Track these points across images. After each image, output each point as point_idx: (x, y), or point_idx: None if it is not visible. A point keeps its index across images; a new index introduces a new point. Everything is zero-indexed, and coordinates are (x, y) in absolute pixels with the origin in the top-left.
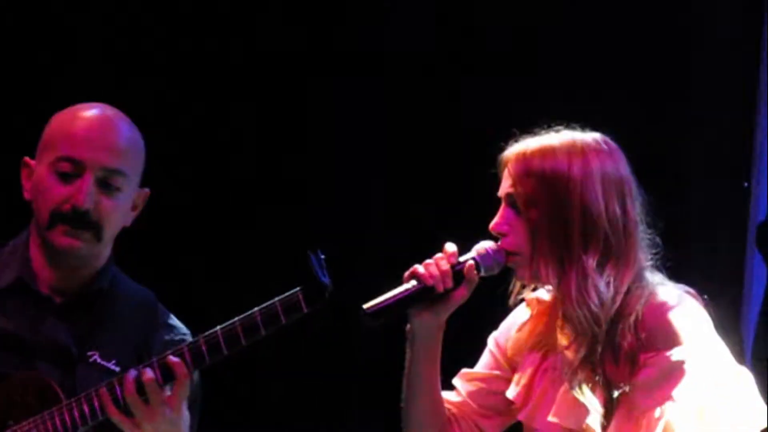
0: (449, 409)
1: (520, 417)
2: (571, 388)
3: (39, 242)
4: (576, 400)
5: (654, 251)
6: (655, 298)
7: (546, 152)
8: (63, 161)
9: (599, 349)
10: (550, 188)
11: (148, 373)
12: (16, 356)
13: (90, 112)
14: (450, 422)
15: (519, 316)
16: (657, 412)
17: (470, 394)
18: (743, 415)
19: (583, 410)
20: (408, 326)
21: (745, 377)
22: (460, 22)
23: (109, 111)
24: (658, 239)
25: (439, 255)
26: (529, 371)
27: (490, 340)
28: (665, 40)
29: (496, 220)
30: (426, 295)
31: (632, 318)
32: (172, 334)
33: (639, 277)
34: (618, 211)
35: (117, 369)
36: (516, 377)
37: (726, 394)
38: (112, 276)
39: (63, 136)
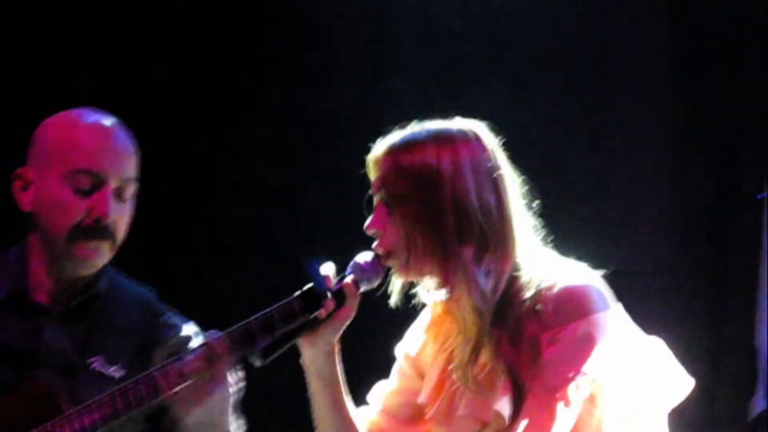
0: (369, 428)
1: (430, 416)
2: (464, 383)
3: (44, 253)
4: (480, 392)
5: (540, 232)
6: (551, 277)
7: (413, 146)
8: (81, 174)
9: (486, 341)
10: (420, 183)
11: (192, 360)
12: (16, 369)
13: (90, 119)
14: None
15: (422, 321)
16: (572, 387)
17: (386, 409)
18: (662, 382)
19: (488, 402)
20: (302, 358)
21: (658, 345)
22: None
23: (107, 118)
24: (541, 221)
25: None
26: (436, 373)
27: (398, 351)
28: None
29: (369, 220)
30: (312, 323)
31: (529, 301)
32: (175, 331)
33: (526, 262)
34: (491, 200)
35: (118, 374)
36: (425, 380)
37: (641, 363)
38: (110, 278)
39: (76, 149)
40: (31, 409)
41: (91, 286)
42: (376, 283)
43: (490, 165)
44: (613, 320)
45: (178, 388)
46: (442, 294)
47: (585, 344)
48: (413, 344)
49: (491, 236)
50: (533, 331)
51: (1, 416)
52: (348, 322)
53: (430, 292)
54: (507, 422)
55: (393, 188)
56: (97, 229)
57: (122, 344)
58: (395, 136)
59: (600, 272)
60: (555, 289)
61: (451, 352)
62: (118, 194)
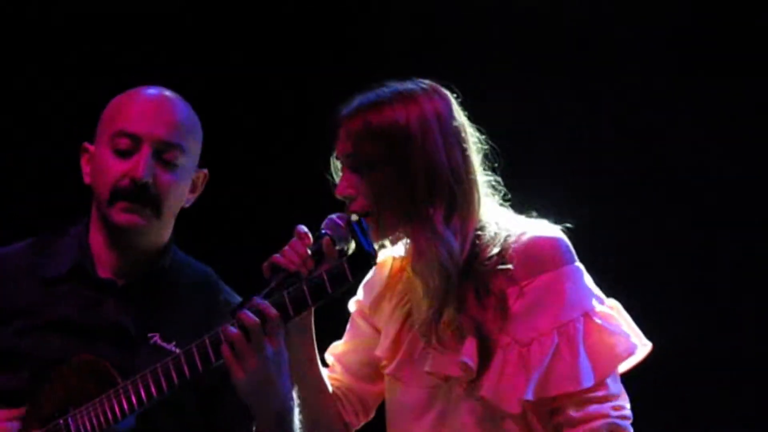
0: (335, 387)
1: (388, 371)
2: (428, 342)
3: (100, 224)
4: (445, 349)
5: (500, 191)
6: (515, 231)
7: (381, 108)
8: (119, 137)
9: (451, 300)
10: (390, 145)
11: (249, 317)
12: (76, 342)
13: (147, 91)
14: (338, 403)
15: (376, 276)
16: (542, 338)
17: (346, 367)
18: (626, 343)
19: (453, 357)
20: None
21: (615, 303)
22: None
23: (167, 91)
24: (498, 178)
25: (293, 240)
26: (394, 329)
27: (351, 306)
28: None
29: (339, 184)
30: (292, 282)
31: (495, 257)
32: None
33: (489, 219)
34: (459, 159)
35: (177, 350)
36: (382, 335)
37: (606, 320)
38: (173, 256)
39: (119, 114)
40: (87, 381)
41: (155, 262)
42: (349, 245)
43: (455, 124)
44: (581, 272)
45: (230, 355)
46: (401, 250)
47: (554, 295)
48: (367, 300)
49: (459, 195)
50: (500, 285)
51: (59, 387)
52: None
53: (386, 247)
54: (474, 373)
55: (364, 152)
56: (133, 191)
57: (183, 321)
58: (360, 99)
59: (561, 226)
60: (521, 242)
61: (410, 308)
62: (161, 158)
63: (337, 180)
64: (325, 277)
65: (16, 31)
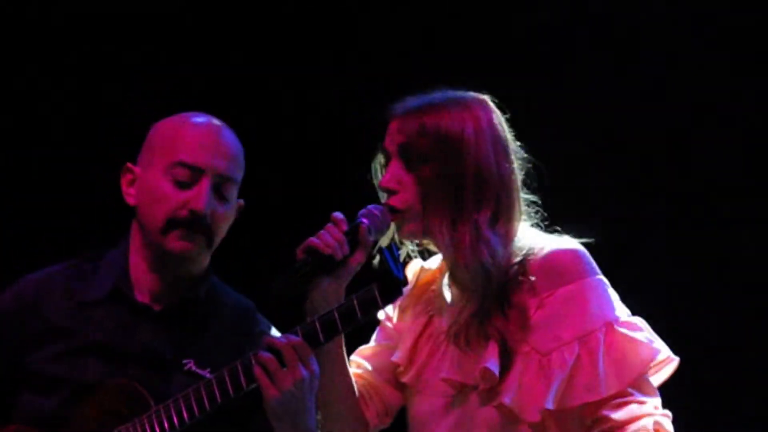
0: (361, 385)
1: (405, 379)
2: (461, 345)
3: (144, 248)
4: (470, 354)
5: (532, 205)
6: (538, 244)
7: (440, 109)
8: (180, 167)
9: (490, 304)
10: (445, 146)
11: (279, 341)
12: (111, 365)
13: (199, 119)
14: (361, 400)
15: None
16: (563, 349)
17: (373, 368)
18: (650, 349)
19: (477, 363)
20: (308, 302)
21: (642, 321)
22: None
23: (216, 120)
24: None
25: (329, 225)
26: (412, 337)
27: (381, 313)
28: None
29: (385, 176)
30: (326, 266)
31: (516, 267)
32: None
33: (520, 234)
34: (507, 170)
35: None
36: (401, 343)
37: (629, 329)
38: (211, 285)
39: (178, 143)
40: (121, 404)
41: (193, 288)
42: (384, 236)
43: (503, 135)
44: (604, 284)
45: (263, 376)
46: (431, 263)
47: (576, 306)
48: (394, 306)
49: (504, 204)
50: (521, 297)
51: (93, 411)
52: (357, 269)
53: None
54: (496, 380)
55: (417, 147)
56: (192, 222)
57: (218, 349)
58: (415, 99)
59: (584, 241)
60: (542, 255)
61: (431, 317)
62: (218, 191)
63: (379, 176)
64: (356, 303)
65: (16, 31)
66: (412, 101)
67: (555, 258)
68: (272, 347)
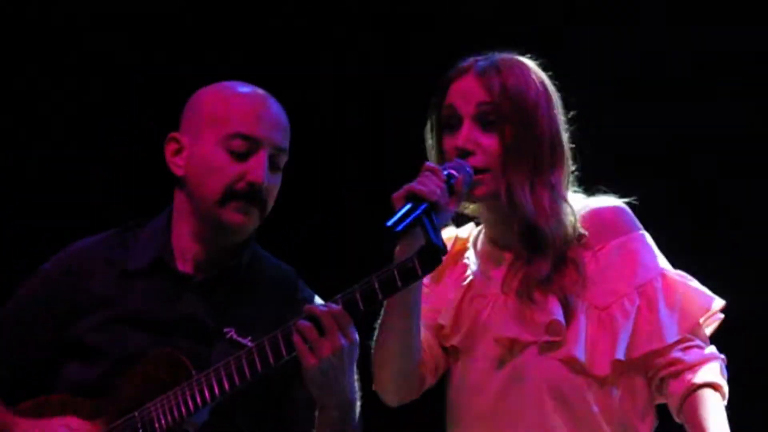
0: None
1: (454, 342)
2: (525, 301)
3: (193, 218)
4: (529, 311)
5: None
6: (583, 204)
7: (517, 72)
8: (237, 138)
9: (564, 261)
10: (525, 109)
11: (318, 309)
12: (153, 335)
13: (246, 89)
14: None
15: None
16: (622, 301)
17: (426, 325)
18: (705, 296)
19: (538, 318)
20: (397, 248)
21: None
22: None
23: (260, 90)
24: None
25: (427, 173)
26: (454, 299)
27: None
28: None
29: (460, 136)
30: (431, 211)
31: (572, 225)
32: None
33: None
34: (567, 133)
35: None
36: (445, 305)
37: (682, 274)
38: (253, 253)
39: (233, 114)
40: (164, 374)
41: (235, 256)
42: (467, 190)
43: (561, 103)
44: (648, 238)
45: (301, 342)
46: (464, 232)
47: (628, 258)
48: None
49: (568, 165)
50: (576, 252)
51: (136, 380)
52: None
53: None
54: (564, 332)
55: (500, 109)
56: (250, 194)
57: (259, 317)
58: (487, 59)
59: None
60: (590, 211)
61: (472, 282)
62: (272, 162)
63: (432, 137)
64: (396, 272)
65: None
66: (483, 62)
67: (604, 213)
68: (312, 315)
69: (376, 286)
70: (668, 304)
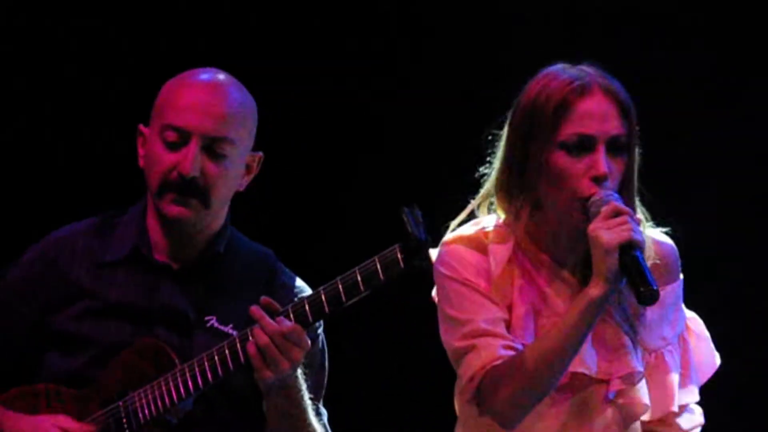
0: None
1: None
2: (631, 335)
3: (154, 210)
4: (608, 344)
5: None
6: (647, 234)
7: (622, 88)
8: (169, 130)
9: None
10: (635, 130)
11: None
12: (134, 325)
13: (198, 78)
14: None
15: (478, 258)
16: (673, 351)
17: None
18: (712, 354)
19: (620, 362)
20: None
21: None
22: None
23: (220, 76)
24: None
25: (627, 217)
26: (526, 317)
27: (464, 282)
28: None
29: (603, 163)
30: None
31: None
32: (292, 292)
33: None
34: None
35: (234, 333)
36: (515, 320)
37: (695, 327)
38: (230, 239)
39: (170, 105)
40: (146, 364)
41: (211, 245)
42: None
43: None
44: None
45: (256, 362)
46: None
47: (675, 305)
48: (487, 280)
49: None
50: None
51: (119, 371)
52: None
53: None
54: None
55: (627, 132)
56: (182, 185)
57: (240, 303)
58: (605, 75)
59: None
60: (654, 245)
61: (536, 311)
62: (210, 150)
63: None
64: (378, 266)
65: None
66: (598, 78)
67: (667, 253)
68: (268, 331)
69: (359, 279)
70: (695, 356)
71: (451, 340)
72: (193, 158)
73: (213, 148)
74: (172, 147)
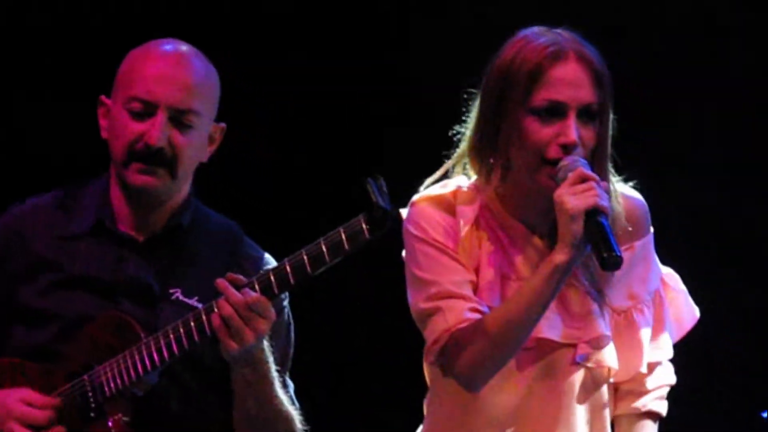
0: None
1: None
2: (599, 301)
3: (118, 181)
4: (572, 309)
5: None
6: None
7: (598, 55)
8: (135, 101)
9: None
10: (610, 98)
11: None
12: (99, 298)
13: (162, 49)
14: None
15: (446, 218)
16: (645, 309)
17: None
18: (691, 310)
19: (585, 324)
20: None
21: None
22: None
23: (183, 47)
24: None
25: (594, 183)
26: (495, 282)
27: (432, 243)
28: None
29: (573, 131)
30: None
31: (622, 220)
32: (258, 263)
33: None
34: None
35: (199, 305)
36: (485, 287)
37: (672, 282)
38: (194, 211)
39: (135, 76)
40: (112, 337)
41: (175, 216)
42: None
43: None
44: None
45: (221, 333)
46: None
47: (645, 262)
48: (454, 239)
49: None
50: None
51: (84, 344)
52: None
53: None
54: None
55: (600, 100)
56: (148, 155)
57: (204, 275)
58: (582, 42)
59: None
60: (624, 201)
61: (502, 263)
62: (177, 121)
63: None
64: (343, 235)
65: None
66: (573, 44)
67: (635, 208)
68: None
69: (324, 249)
70: (671, 315)
71: (417, 301)
72: (161, 129)
73: (179, 119)
74: (138, 117)
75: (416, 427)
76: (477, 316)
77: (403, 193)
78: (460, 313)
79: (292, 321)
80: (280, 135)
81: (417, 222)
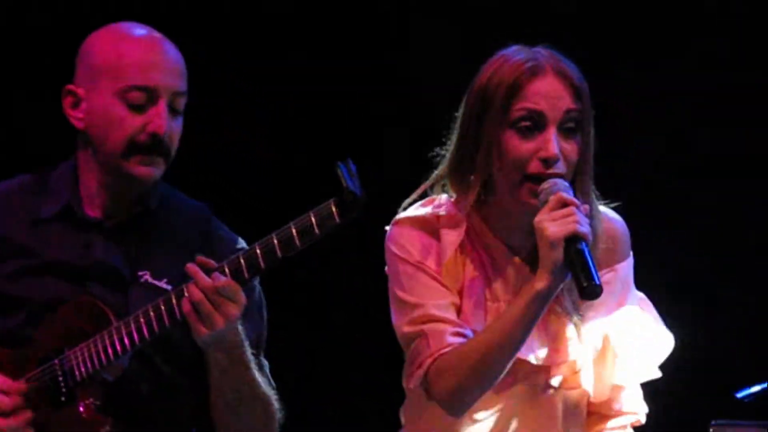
0: None
1: None
2: (574, 320)
3: (99, 170)
4: (549, 332)
5: None
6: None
7: (576, 71)
8: (135, 91)
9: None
10: (589, 112)
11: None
12: (69, 283)
13: (140, 33)
14: None
15: (429, 240)
16: (619, 330)
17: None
18: (666, 338)
19: (554, 343)
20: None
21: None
22: None
23: (155, 32)
24: None
25: (575, 209)
26: (478, 305)
27: (416, 264)
28: None
29: (554, 145)
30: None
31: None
32: (228, 246)
33: None
34: None
35: (168, 287)
36: (465, 307)
37: (648, 308)
38: (162, 193)
39: (127, 64)
40: (83, 322)
41: (144, 200)
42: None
43: None
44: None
45: (191, 318)
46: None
47: (623, 286)
48: (437, 262)
49: None
50: None
51: (55, 328)
52: None
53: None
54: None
55: (581, 113)
56: (152, 145)
57: (174, 257)
58: (560, 58)
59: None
60: (605, 223)
61: (485, 300)
62: (171, 108)
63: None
64: (313, 220)
65: None
66: (551, 60)
67: (617, 231)
68: (201, 287)
69: (294, 233)
70: (643, 338)
71: (401, 324)
72: (166, 117)
73: (173, 104)
74: (138, 108)
75: (392, 406)
76: (460, 340)
77: (403, 193)
78: (442, 337)
79: (264, 301)
80: (280, 135)
81: (400, 243)
